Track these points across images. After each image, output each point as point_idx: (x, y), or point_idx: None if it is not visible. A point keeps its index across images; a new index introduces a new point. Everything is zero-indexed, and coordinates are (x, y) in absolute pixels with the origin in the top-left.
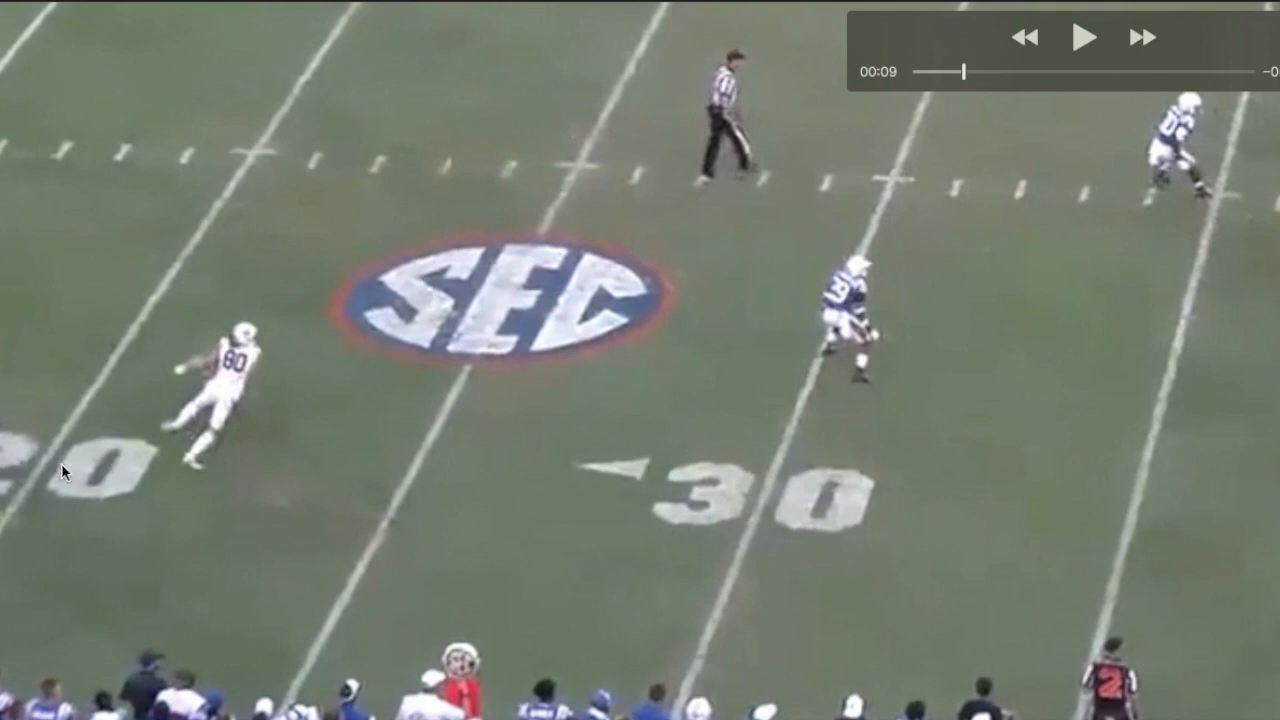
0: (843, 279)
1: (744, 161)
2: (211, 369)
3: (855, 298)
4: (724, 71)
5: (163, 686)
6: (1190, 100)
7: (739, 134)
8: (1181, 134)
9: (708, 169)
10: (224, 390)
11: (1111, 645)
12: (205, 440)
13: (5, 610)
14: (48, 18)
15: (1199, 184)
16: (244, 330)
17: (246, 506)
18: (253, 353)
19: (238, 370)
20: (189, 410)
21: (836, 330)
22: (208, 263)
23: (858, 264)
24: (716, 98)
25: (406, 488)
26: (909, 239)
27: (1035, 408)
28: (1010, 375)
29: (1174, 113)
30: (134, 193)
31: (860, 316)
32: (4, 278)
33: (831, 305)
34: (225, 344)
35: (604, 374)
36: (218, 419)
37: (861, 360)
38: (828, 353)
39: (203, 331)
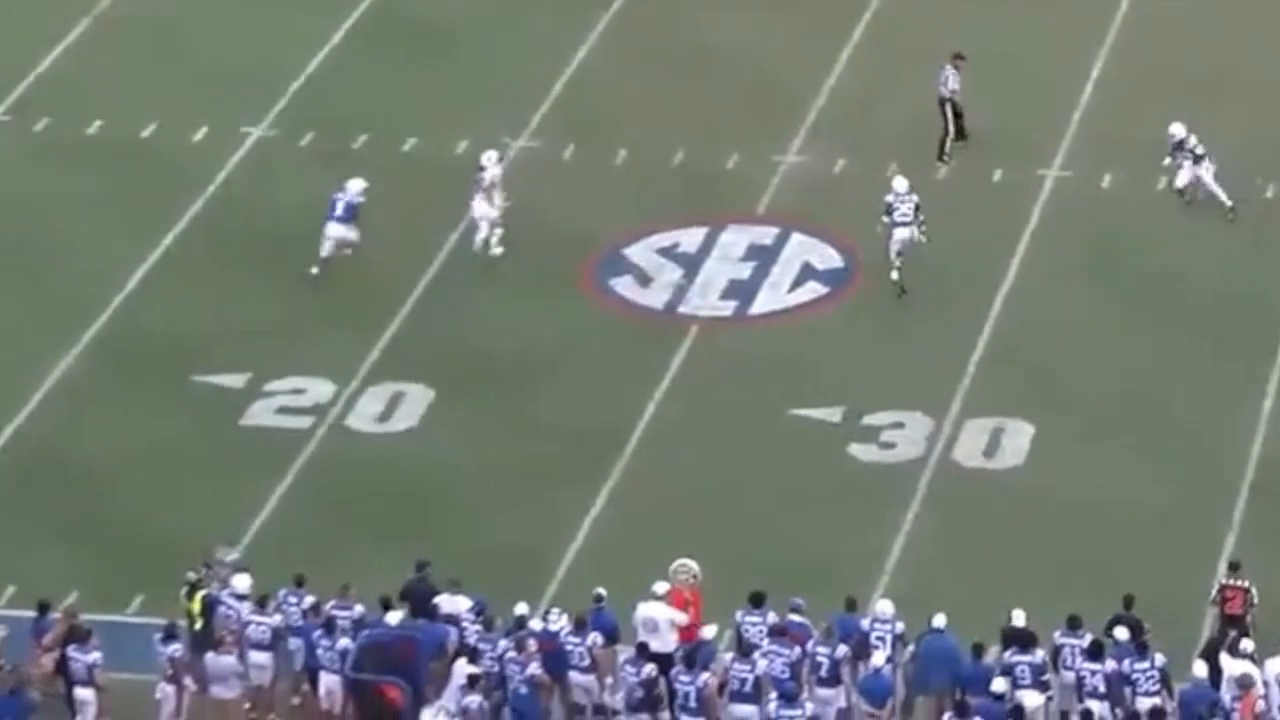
0: (902, 198)
1: (947, 153)
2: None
3: (916, 209)
4: (949, 69)
5: (435, 591)
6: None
7: (950, 126)
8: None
9: (957, 139)
10: (484, 211)
11: (1233, 567)
12: (500, 231)
13: (309, 525)
14: (352, 25)
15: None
16: (487, 156)
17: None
18: (491, 171)
19: (485, 191)
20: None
21: (901, 253)
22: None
23: (902, 183)
24: (945, 92)
25: (643, 427)
26: (1071, 228)
27: (1172, 365)
28: (1151, 338)
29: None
30: (423, 178)
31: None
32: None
33: (904, 225)
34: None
35: (808, 335)
36: (491, 234)
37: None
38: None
39: (481, 290)
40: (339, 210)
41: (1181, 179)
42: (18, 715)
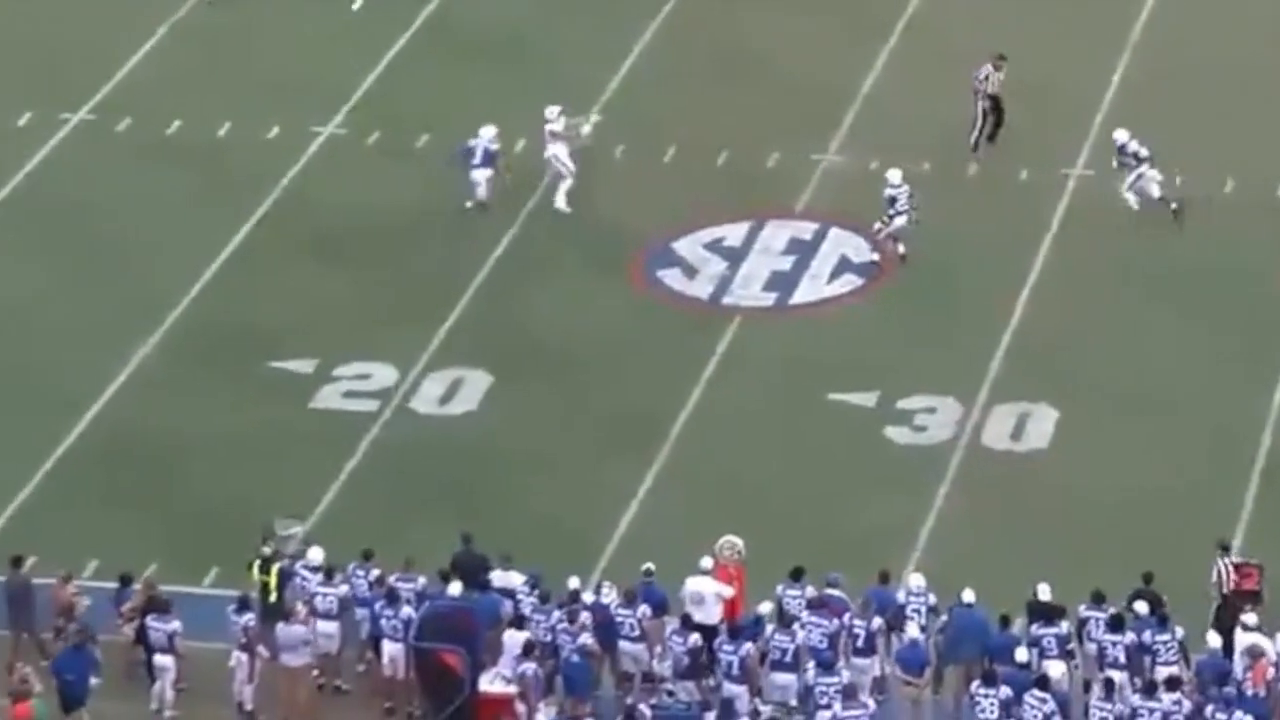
0: (899, 189)
1: (977, 144)
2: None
3: (910, 197)
4: (988, 68)
5: (483, 561)
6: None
7: (981, 121)
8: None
9: (988, 139)
10: (557, 150)
11: (1224, 548)
12: (567, 184)
13: (373, 502)
14: (415, 30)
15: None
16: (549, 110)
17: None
18: (553, 125)
19: (555, 137)
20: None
21: (893, 236)
22: (541, 230)
23: (895, 174)
24: (979, 86)
25: (688, 412)
26: (1093, 225)
27: (1188, 355)
28: (1169, 329)
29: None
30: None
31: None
32: (380, 247)
33: (902, 213)
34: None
35: (845, 323)
36: (568, 170)
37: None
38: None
39: (537, 282)
40: (477, 158)
41: (1154, 190)
42: (82, 670)
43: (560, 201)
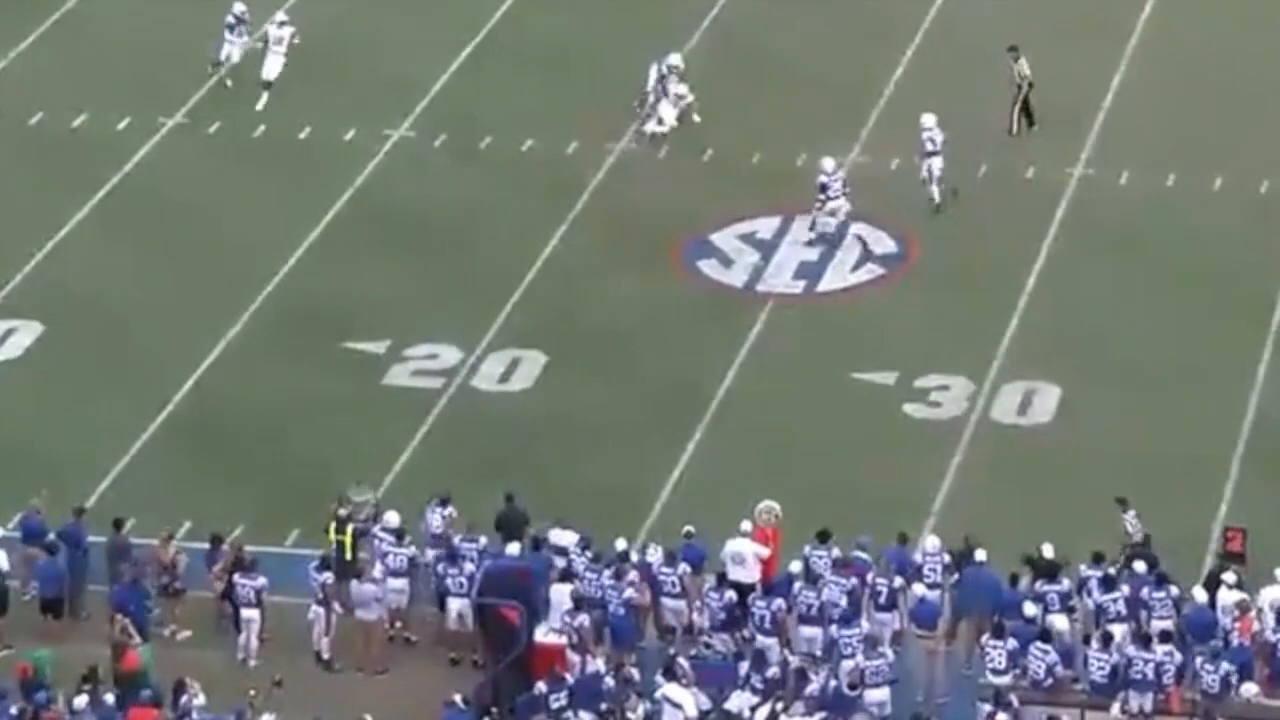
0: (832, 177)
1: (1031, 120)
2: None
3: (844, 184)
4: (1009, 62)
5: (524, 518)
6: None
7: (1017, 108)
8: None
9: (1009, 132)
10: (665, 111)
11: (1122, 501)
12: (651, 124)
13: (439, 470)
14: (479, 42)
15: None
16: (674, 57)
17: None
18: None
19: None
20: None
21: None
22: (589, 226)
23: (829, 163)
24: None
25: (725, 389)
26: (1094, 218)
27: (1179, 336)
28: (1162, 313)
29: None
30: (538, 174)
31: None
32: (446, 239)
33: (835, 199)
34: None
35: (867, 309)
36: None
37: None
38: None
39: (588, 271)
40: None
41: (932, 178)
42: (139, 603)
43: (651, 126)
